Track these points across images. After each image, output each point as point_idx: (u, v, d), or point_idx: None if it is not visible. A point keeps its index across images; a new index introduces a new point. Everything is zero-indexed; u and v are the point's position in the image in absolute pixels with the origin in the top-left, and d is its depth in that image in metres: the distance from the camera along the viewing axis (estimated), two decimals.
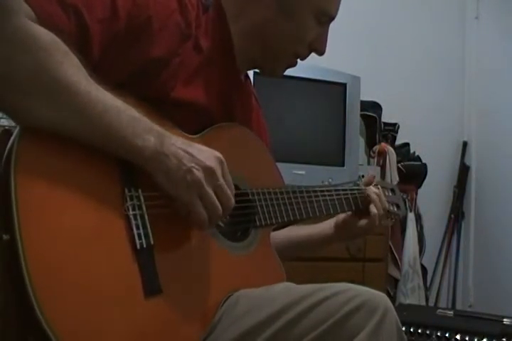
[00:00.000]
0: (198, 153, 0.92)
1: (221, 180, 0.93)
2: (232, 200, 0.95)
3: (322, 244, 1.36)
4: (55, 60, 0.83)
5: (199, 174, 0.91)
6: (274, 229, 1.21)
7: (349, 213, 1.32)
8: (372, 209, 1.30)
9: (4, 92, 0.81)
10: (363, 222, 1.31)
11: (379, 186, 1.37)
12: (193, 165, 0.91)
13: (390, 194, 1.41)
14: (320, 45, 1.15)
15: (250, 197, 1.09)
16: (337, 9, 1.14)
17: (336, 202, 1.27)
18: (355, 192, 1.32)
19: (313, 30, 1.12)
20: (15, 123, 0.84)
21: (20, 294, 0.75)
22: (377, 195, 1.32)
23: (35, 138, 0.82)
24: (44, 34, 0.84)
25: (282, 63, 1.16)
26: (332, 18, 1.14)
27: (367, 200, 1.31)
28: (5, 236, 0.76)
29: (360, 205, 1.31)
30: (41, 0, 0.87)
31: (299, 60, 1.17)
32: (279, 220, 1.14)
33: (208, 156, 0.93)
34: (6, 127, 0.86)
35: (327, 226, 1.35)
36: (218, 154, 0.95)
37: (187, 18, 1.02)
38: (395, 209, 1.40)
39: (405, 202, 3.01)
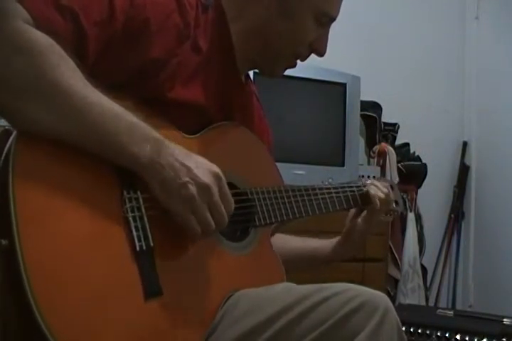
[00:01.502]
0: (195, 167, 0.91)
1: (216, 197, 0.92)
2: (226, 218, 0.94)
3: (328, 256, 1.33)
4: (52, 63, 0.83)
5: (193, 189, 0.90)
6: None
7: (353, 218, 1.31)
8: (371, 190, 1.30)
9: (0, 95, 0.81)
10: (366, 211, 1.29)
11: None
12: (188, 179, 0.90)
13: None
14: (320, 46, 1.15)
15: (249, 196, 1.09)
16: (338, 10, 1.14)
17: (335, 200, 1.26)
18: (354, 189, 1.31)
19: (313, 31, 1.12)
20: (12, 127, 0.84)
21: (20, 297, 0.75)
22: (374, 185, 1.33)
23: (33, 141, 0.82)
24: (40, 37, 0.84)
25: (282, 64, 1.16)
26: (333, 19, 1.14)
27: (365, 197, 1.31)
28: (3, 242, 0.76)
29: (359, 201, 1.31)
30: (37, 3, 0.87)
31: (298, 60, 1.17)
32: (279, 219, 1.13)
33: (204, 171, 0.92)
34: (6, 127, 0.86)
35: (333, 240, 1.34)
36: (216, 169, 0.94)
37: (185, 19, 1.02)
38: (394, 206, 1.41)
39: (405, 201, 3.02)
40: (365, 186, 1.32)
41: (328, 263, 1.37)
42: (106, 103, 0.87)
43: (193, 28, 1.04)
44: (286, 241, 1.33)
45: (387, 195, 1.32)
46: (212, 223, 0.92)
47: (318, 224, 1.71)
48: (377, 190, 1.31)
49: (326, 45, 1.16)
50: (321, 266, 1.40)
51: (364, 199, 1.31)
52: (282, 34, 1.11)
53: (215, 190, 0.92)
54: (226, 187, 0.95)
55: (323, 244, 1.35)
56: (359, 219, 1.30)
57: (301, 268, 1.36)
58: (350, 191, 1.30)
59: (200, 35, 1.05)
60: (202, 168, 0.92)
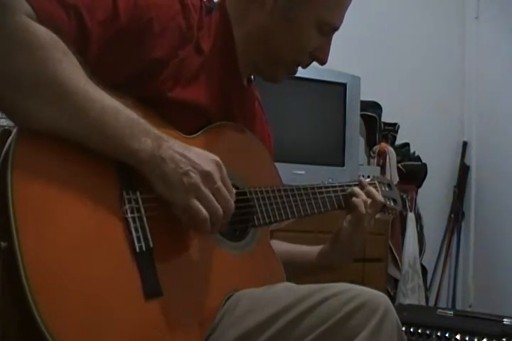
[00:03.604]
0: (195, 157, 0.92)
1: (219, 183, 0.92)
2: (232, 203, 0.94)
3: (313, 262, 1.27)
4: (54, 58, 0.83)
5: (196, 177, 0.90)
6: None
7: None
8: (355, 199, 1.23)
9: (2, 90, 0.81)
10: (350, 215, 1.22)
11: (375, 181, 1.36)
12: (189, 168, 0.90)
13: (387, 189, 1.40)
14: (322, 54, 1.14)
15: (248, 196, 1.09)
16: (341, 20, 1.12)
17: (333, 199, 1.24)
18: (345, 188, 1.27)
19: (314, 40, 1.11)
20: (13, 124, 0.84)
21: (20, 299, 0.75)
22: (361, 188, 1.26)
23: (33, 140, 0.82)
24: (43, 32, 0.84)
25: (282, 70, 1.15)
26: (335, 29, 1.13)
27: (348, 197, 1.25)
28: (3, 244, 0.76)
29: (343, 202, 1.25)
30: None
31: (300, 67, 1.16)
32: (278, 219, 1.13)
33: (205, 160, 0.92)
34: (6, 127, 0.86)
35: (319, 246, 1.28)
36: (216, 158, 0.94)
37: (188, 20, 1.02)
38: (392, 204, 1.39)
39: (405, 201, 3.02)
40: (356, 185, 1.27)
41: (315, 273, 1.30)
42: (107, 99, 0.87)
43: (196, 30, 1.04)
44: (276, 246, 1.24)
45: (370, 196, 1.24)
46: (220, 208, 0.92)
47: (317, 224, 1.71)
48: (358, 190, 1.24)
49: (327, 54, 1.15)
50: (306, 275, 1.30)
51: (346, 201, 1.25)
52: (283, 41, 1.10)
53: (217, 176, 0.92)
54: (226, 175, 0.95)
55: (311, 250, 1.28)
56: (345, 223, 1.23)
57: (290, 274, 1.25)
58: (341, 190, 1.25)
59: (203, 37, 1.05)
60: (202, 157, 0.93)
